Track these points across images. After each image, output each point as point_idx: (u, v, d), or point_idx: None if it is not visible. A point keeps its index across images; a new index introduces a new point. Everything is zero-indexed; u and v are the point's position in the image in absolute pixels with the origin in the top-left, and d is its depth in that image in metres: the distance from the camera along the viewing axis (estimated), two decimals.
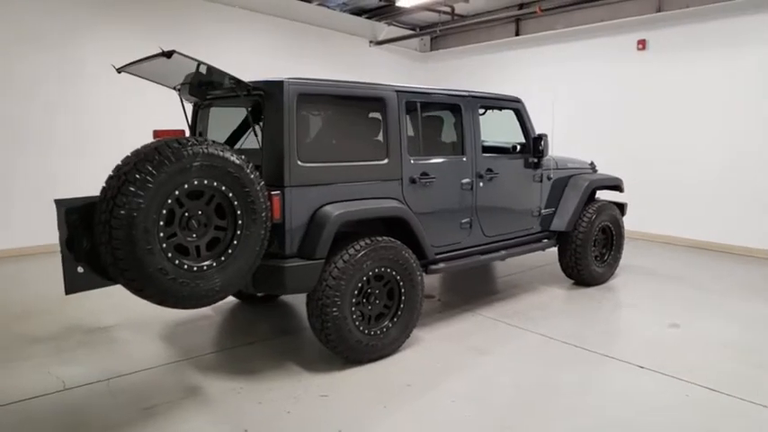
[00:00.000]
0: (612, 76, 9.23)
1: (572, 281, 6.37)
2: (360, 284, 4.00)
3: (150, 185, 2.88)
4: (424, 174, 4.55)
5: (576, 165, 6.34)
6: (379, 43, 11.55)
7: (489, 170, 5.08)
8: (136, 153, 2.97)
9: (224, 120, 4.92)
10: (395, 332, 4.24)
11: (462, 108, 4.91)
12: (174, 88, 4.55)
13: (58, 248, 3.08)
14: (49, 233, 7.80)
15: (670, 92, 8.54)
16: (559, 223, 5.93)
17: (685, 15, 8.28)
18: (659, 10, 8.59)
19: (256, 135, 4.76)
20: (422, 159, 4.58)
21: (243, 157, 3.33)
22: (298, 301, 5.63)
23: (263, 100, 3.85)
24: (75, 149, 8.12)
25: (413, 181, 4.47)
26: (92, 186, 8.11)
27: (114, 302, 5.28)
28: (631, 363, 4.14)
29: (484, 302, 5.66)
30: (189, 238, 3.16)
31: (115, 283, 3.19)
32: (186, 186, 3.05)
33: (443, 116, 5.17)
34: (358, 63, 11.23)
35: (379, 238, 4.10)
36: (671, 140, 8.61)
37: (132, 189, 2.84)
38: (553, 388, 3.78)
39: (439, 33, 11.15)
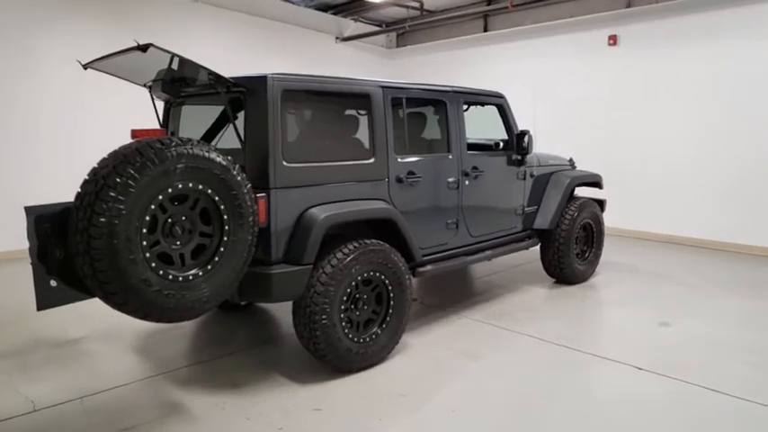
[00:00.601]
0: (584, 72, 9.25)
1: (553, 279, 6.32)
2: (348, 290, 3.82)
3: (132, 190, 2.64)
4: (411, 173, 4.40)
5: (556, 161, 6.29)
6: (346, 39, 11.34)
7: (475, 168, 4.96)
8: (114, 155, 2.72)
9: (197, 118, 4.68)
10: (384, 338, 4.08)
11: (447, 104, 4.77)
12: (145, 85, 4.28)
13: (26, 258, 2.81)
14: (11, 239, 7.53)
15: (642, 87, 8.60)
16: (542, 221, 5.87)
17: (655, 11, 8.35)
18: (629, 5, 8.65)
19: (238, 134, 4.54)
20: (408, 158, 4.42)
21: (229, 157, 3.10)
22: (274, 307, 5.41)
23: (244, 97, 3.63)
24: (39, 152, 7.71)
25: (399, 180, 4.31)
26: (58, 190, 7.76)
27: (82, 312, 4.91)
28: (628, 364, 4.08)
29: (468, 304, 5.55)
30: (173, 246, 2.92)
31: (92, 296, 2.93)
32: (170, 190, 2.81)
33: (428, 112, 5.02)
34: (324, 59, 10.99)
35: (368, 241, 3.92)
36: (644, 136, 8.68)
37: (113, 194, 2.59)
38: (551, 393, 3.68)
39: (407, 29, 11.02)
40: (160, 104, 4.49)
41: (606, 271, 6.77)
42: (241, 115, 4.64)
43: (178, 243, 2.94)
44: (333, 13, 11.11)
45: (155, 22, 8.64)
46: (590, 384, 3.86)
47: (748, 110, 7.62)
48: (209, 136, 4.56)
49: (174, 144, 2.81)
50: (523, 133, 5.40)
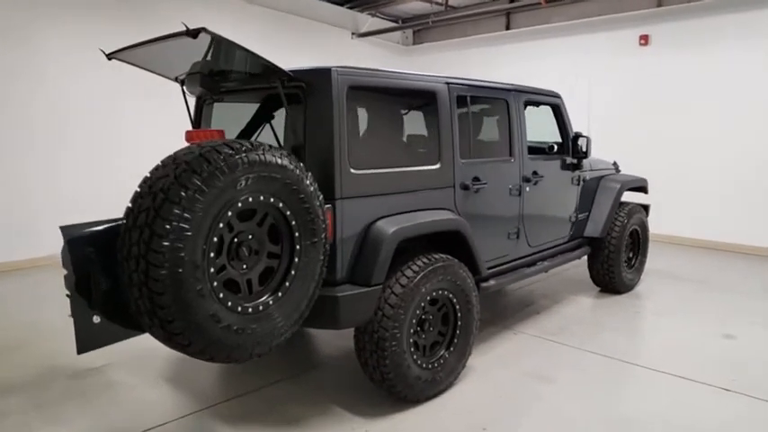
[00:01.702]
0: (613, 73, 8.86)
1: (598, 288, 5.95)
2: (417, 312, 3.39)
3: (200, 206, 2.18)
4: (476, 179, 3.97)
5: (602, 165, 5.91)
6: (362, 35, 10.88)
7: (535, 173, 4.56)
8: (174, 162, 2.26)
9: (229, 117, 4.22)
10: (452, 362, 3.67)
11: (509, 103, 4.35)
12: (176, 79, 3.80)
13: (63, 284, 2.33)
14: (11, 248, 7.05)
15: (675, 89, 8.25)
16: (594, 229, 5.48)
17: (689, 10, 8.01)
18: (660, 5, 8.29)
19: (276, 136, 4.08)
20: (473, 162, 4.00)
21: (301, 164, 2.65)
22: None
23: (303, 93, 3.17)
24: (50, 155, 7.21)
25: (465, 187, 3.89)
26: (69, 196, 7.23)
27: None
28: (713, 385, 3.71)
29: (518, 318, 5.14)
30: (240, 271, 2.46)
31: (142, 332, 2.46)
32: (239, 204, 2.36)
33: (488, 113, 4.60)
34: (339, 55, 10.48)
35: (436, 256, 3.49)
36: (676, 137, 8.34)
37: (177, 211, 2.13)
38: (641, 422, 3.28)
39: (426, 26, 10.58)
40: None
41: (647, 278, 6.40)
42: (280, 114, 4.25)
43: (245, 267, 2.49)
44: (349, 8, 10.64)
45: (165, 14, 8.12)
46: (679, 410, 3.45)
47: None
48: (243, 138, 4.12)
49: (244, 149, 2.36)
50: (578, 136, 5.01)
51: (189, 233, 2.15)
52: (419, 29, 11.51)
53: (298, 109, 3.44)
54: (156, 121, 7.70)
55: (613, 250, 5.57)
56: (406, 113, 3.87)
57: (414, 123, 3.88)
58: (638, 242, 6.10)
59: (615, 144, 8.59)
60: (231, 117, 4.27)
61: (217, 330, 2.29)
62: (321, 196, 2.77)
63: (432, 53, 11.66)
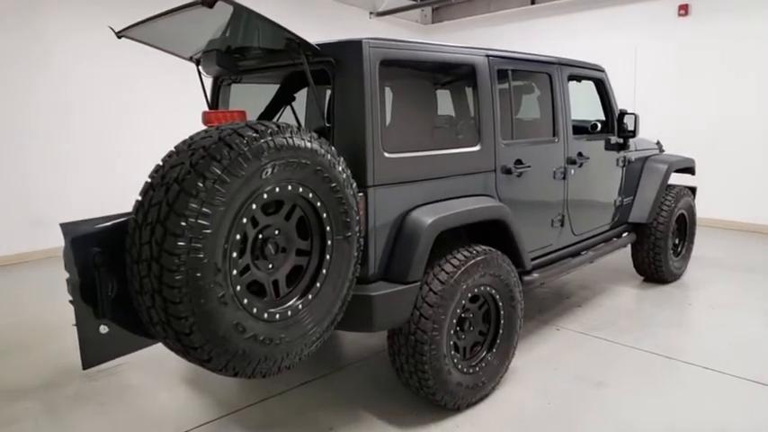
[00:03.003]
0: (650, 46, 8.34)
1: (641, 277, 5.55)
2: (458, 311, 3.05)
3: (220, 198, 1.85)
4: (519, 162, 3.60)
5: (646, 145, 5.48)
6: (380, 14, 10.45)
7: (580, 154, 4.17)
8: (190, 148, 1.93)
9: (247, 99, 3.91)
10: (495, 365, 3.33)
11: (553, 78, 3.96)
12: (191, 58, 3.48)
13: (66, 288, 2.02)
14: (12, 240, 6.85)
15: (718, 63, 7.72)
16: (640, 214, 5.08)
17: None
18: None
19: (297, 118, 3.75)
20: (515, 143, 3.63)
21: (333, 148, 2.31)
22: None
23: (331, 69, 2.82)
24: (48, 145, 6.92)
25: (507, 171, 3.52)
26: (78, 186, 6.96)
27: None
28: None
29: (558, 311, 4.78)
30: (266, 271, 2.14)
31: (155, 341, 2.15)
32: (265, 196, 2.03)
33: (529, 89, 4.21)
34: (357, 35, 10.10)
35: (478, 248, 3.14)
36: (717, 115, 7.83)
37: (194, 206, 1.81)
38: None
39: (446, 2, 10.10)
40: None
41: (693, 266, 5.97)
42: (300, 96, 3.92)
43: (270, 267, 2.17)
44: None
45: None
46: (751, 418, 3.08)
47: None
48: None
49: (269, 131, 2.02)
50: (624, 113, 4.60)
51: (208, 231, 1.83)
52: (438, 6, 11.05)
53: (324, 88, 3.11)
54: (173, 106, 7.41)
55: (660, 237, 5.16)
56: (442, 89, 3.51)
57: (450, 101, 3.51)
58: (685, 228, 5.69)
59: (653, 123, 8.14)
60: (251, 99, 3.96)
61: (241, 342, 1.97)
62: (354, 184, 2.43)
63: (452, 31, 11.18)
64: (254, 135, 1.95)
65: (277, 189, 2.06)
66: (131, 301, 1.97)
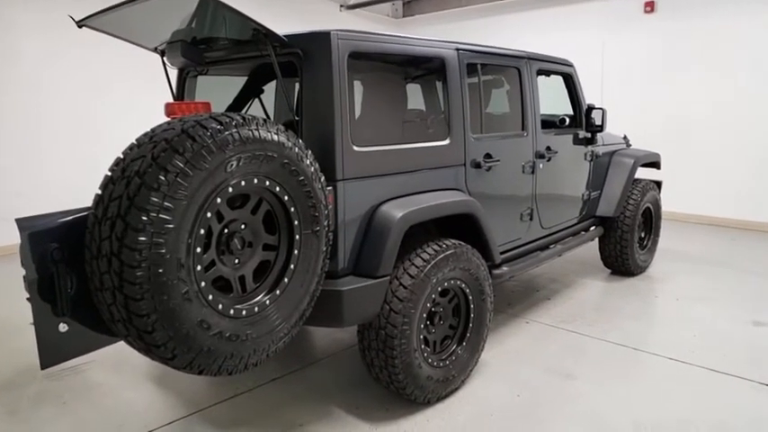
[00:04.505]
0: (616, 43, 8.45)
1: (608, 270, 5.65)
2: (428, 305, 3.05)
3: (183, 192, 1.80)
4: (488, 156, 3.61)
5: (613, 140, 5.56)
6: (351, 8, 10.38)
7: (548, 148, 4.20)
8: (151, 140, 1.88)
9: (213, 92, 3.84)
10: (465, 358, 3.35)
11: (521, 72, 3.97)
12: (156, 49, 3.40)
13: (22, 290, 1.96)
14: None
15: (684, 60, 7.86)
16: (607, 208, 5.15)
17: None
18: None
19: (265, 112, 3.70)
20: (484, 137, 3.63)
21: (300, 141, 2.28)
22: None
23: (299, 60, 2.78)
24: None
25: (477, 165, 3.53)
26: (49, 182, 6.73)
27: None
28: (748, 378, 3.45)
29: (528, 305, 4.82)
30: (232, 267, 2.10)
31: (118, 339, 2.10)
32: (230, 189, 1.99)
33: (501, 82, 4.22)
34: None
35: (448, 242, 3.15)
36: (683, 113, 7.98)
37: (155, 200, 1.75)
38: (687, 423, 2.98)
39: None
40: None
41: (658, 259, 6.09)
42: (269, 88, 3.86)
43: (237, 262, 2.13)
44: None
45: None
46: (726, 411, 3.15)
47: None
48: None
49: (234, 123, 1.97)
50: (595, 108, 4.66)
51: (171, 225, 1.78)
52: (409, 0, 11.02)
53: (292, 80, 3.06)
54: (145, 101, 7.24)
55: (627, 230, 5.25)
56: (411, 83, 3.49)
57: (419, 95, 3.50)
58: (651, 221, 5.80)
59: (620, 117, 8.27)
60: (218, 91, 3.90)
61: (206, 339, 1.93)
62: (323, 178, 2.41)
63: (423, 26, 11.17)
64: (219, 127, 1.91)
65: (243, 182, 2.02)
66: (91, 297, 1.91)
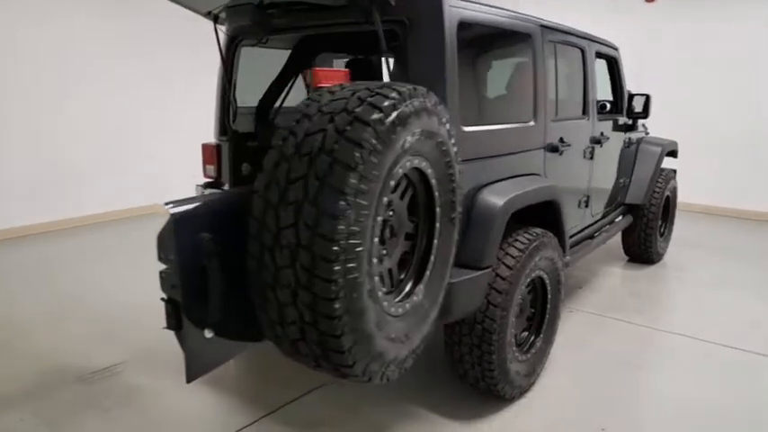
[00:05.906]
0: (614, 33, 8.37)
1: (626, 258, 5.63)
2: (520, 297, 2.87)
3: (375, 173, 1.53)
4: (561, 140, 3.45)
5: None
6: None
7: (602, 134, 4.08)
8: (326, 112, 1.57)
9: (254, 65, 3.53)
10: (543, 350, 3.21)
11: (585, 54, 3.82)
12: (209, 14, 3.06)
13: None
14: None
15: (685, 51, 7.88)
16: (636, 195, 5.10)
17: None
18: None
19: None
20: (558, 120, 3.47)
21: (447, 116, 2.03)
22: None
23: (404, 29, 2.50)
24: None
25: (554, 149, 3.36)
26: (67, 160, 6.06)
27: (90, 315, 3.73)
28: None
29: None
30: (385, 259, 1.84)
31: (257, 341, 1.80)
32: (400, 171, 1.72)
33: (568, 64, 4.05)
34: None
35: (537, 231, 2.97)
36: (683, 105, 8.02)
37: (354, 181, 1.47)
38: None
39: None
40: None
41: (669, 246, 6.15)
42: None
43: (384, 252, 1.87)
44: None
45: None
46: None
47: None
48: (277, 90, 3.45)
49: (408, 93, 1.70)
50: (637, 94, 4.58)
51: (366, 212, 1.50)
52: None
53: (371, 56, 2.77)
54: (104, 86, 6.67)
55: (652, 218, 5.23)
56: (506, 59, 3.28)
57: (510, 72, 3.30)
58: (668, 209, 5.82)
59: None
60: (258, 66, 3.59)
61: (379, 341, 1.67)
62: (460, 159, 2.16)
63: None
64: (398, 98, 1.64)
65: (408, 164, 1.76)
66: (237, 297, 1.61)
